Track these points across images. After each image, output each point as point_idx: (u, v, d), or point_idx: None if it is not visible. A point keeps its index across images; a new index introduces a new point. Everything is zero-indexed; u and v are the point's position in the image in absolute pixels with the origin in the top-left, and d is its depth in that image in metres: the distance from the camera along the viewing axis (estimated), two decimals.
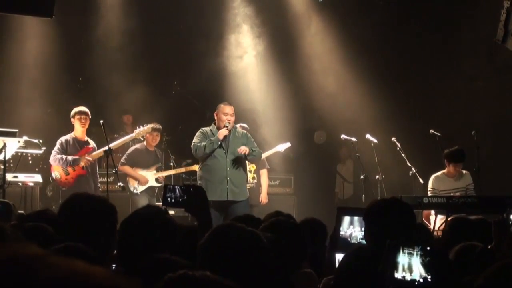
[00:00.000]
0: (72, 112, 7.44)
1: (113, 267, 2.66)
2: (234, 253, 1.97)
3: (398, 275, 2.32)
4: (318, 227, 4.13)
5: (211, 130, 6.92)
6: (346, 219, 3.72)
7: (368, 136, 8.62)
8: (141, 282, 0.84)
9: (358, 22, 10.32)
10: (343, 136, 8.83)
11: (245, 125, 8.07)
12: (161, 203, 3.74)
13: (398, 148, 8.21)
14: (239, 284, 1.36)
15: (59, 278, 0.69)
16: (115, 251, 2.58)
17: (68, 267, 0.71)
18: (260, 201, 8.21)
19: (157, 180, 8.28)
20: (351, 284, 2.68)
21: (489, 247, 3.00)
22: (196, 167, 7.67)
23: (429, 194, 7.00)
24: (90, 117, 7.49)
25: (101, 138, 7.40)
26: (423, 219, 6.73)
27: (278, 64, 10.58)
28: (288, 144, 8.88)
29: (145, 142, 8.31)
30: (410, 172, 8.00)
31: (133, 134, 7.98)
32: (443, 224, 5.21)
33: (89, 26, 10.21)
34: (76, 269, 0.71)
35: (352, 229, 3.69)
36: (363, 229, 3.27)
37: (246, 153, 6.70)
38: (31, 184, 7.50)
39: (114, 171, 7.03)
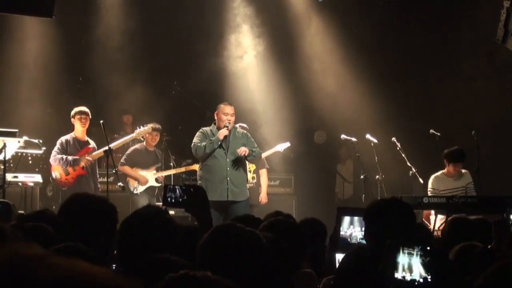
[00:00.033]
0: (73, 112, 7.44)
1: (113, 267, 2.67)
2: (233, 253, 1.97)
3: (398, 275, 2.32)
4: (318, 227, 4.13)
5: (211, 130, 6.92)
6: (346, 219, 3.72)
7: (368, 136, 8.62)
8: (142, 282, 0.84)
9: (358, 22, 10.31)
10: (343, 136, 8.83)
11: (244, 125, 8.07)
12: (161, 203, 3.75)
13: (398, 148, 8.21)
14: (239, 284, 1.36)
15: (61, 278, 0.69)
16: (115, 251, 2.58)
17: (70, 268, 0.71)
18: (259, 201, 8.21)
19: (157, 180, 8.28)
20: (351, 284, 2.68)
21: (489, 247, 3.00)
22: (196, 167, 7.67)
23: (429, 194, 6.99)
24: (90, 117, 7.49)
25: (101, 138, 7.40)
26: (423, 219, 6.73)
27: (278, 64, 10.58)
28: (287, 144, 8.88)
29: (144, 142, 8.30)
30: (410, 172, 8.00)
31: (134, 135, 7.98)
32: (443, 224, 5.21)
33: (89, 26, 10.21)
34: (78, 270, 0.71)
35: (352, 229, 3.69)
36: (363, 229, 3.27)
37: (246, 154, 6.70)
38: (31, 184, 7.50)
39: (114, 171, 7.03)
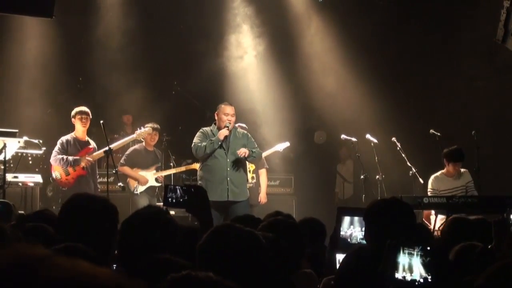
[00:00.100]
0: (73, 112, 7.44)
1: (114, 267, 2.67)
2: (232, 254, 1.97)
3: (399, 275, 2.32)
4: (317, 226, 4.14)
5: (211, 130, 6.92)
6: (346, 219, 3.72)
7: (368, 136, 8.62)
8: (144, 283, 0.84)
9: (358, 22, 10.31)
10: (343, 136, 8.83)
11: (243, 125, 8.06)
12: (161, 203, 3.74)
13: (398, 148, 8.21)
14: (238, 284, 1.36)
15: (63, 279, 0.69)
16: (115, 251, 2.58)
17: (72, 268, 0.71)
18: (259, 200, 8.21)
19: (157, 180, 8.28)
20: (352, 284, 2.68)
21: (489, 247, 3.01)
22: (196, 166, 7.68)
23: (429, 194, 6.99)
24: (91, 117, 7.49)
25: (101, 138, 7.40)
26: (423, 219, 6.73)
27: (278, 64, 10.58)
28: (287, 144, 8.88)
29: (144, 143, 8.30)
30: (410, 172, 8.00)
31: (134, 135, 7.99)
32: (443, 224, 5.21)
33: (89, 26, 10.21)
34: (79, 270, 0.71)
35: (352, 229, 3.69)
36: (363, 229, 3.28)
37: (246, 155, 6.70)
38: (31, 184, 7.50)
39: (114, 171, 7.03)
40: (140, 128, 8.01)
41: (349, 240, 3.69)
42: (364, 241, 3.28)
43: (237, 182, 6.82)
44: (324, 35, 10.72)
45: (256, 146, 7.08)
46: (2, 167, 6.74)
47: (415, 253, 2.32)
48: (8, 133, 6.76)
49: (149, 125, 8.12)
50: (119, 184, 7.23)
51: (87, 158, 7.33)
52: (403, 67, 10.56)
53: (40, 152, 7.52)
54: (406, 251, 2.33)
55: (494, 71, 9.74)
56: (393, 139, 8.29)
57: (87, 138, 7.60)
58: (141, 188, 8.18)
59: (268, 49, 10.58)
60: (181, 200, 2.89)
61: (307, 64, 10.68)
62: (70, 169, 7.31)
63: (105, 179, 7.23)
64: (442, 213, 6.26)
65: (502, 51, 7.56)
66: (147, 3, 10.45)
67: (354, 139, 8.69)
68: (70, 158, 7.29)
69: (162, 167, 8.61)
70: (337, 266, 3.24)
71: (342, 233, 3.70)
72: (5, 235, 2.10)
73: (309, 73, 10.66)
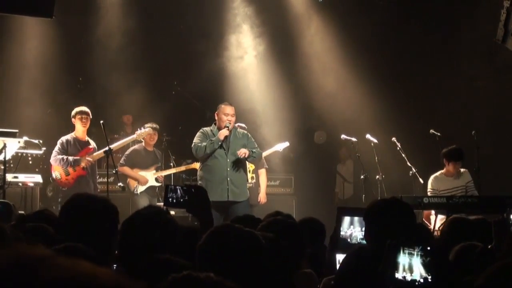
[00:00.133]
0: (73, 112, 7.44)
1: (114, 267, 2.67)
2: (232, 254, 1.98)
3: (399, 275, 2.32)
4: (317, 226, 4.13)
5: (211, 130, 6.92)
6: (346, 219, 3.72)
7: (368, 136, 8.62)
8: (144, 283, 0.84)
9: (358, 22, 10.31)
10: (343, 136, 8.83)
11: (243, 125, 8.06)
12: (162, 203, 3.75)
13: (398, 148, 8.21)
14: (238, 285, 1.36)
15: (63, 279, 0.69)
16: (116, 251, 2.59)
17: (73, 268, 0.71)
18: (258, 200, 8.21)
19: (157, 179, 8.28)
20: (352, 284, 2.68)
21: (489, 247, 3.01)
22: (196, 165, 7.68)
23: (429, 195, 6.99)
24: (91, 117, 7.49)
25: (101, 138, 7.40)
26: (423, 219, 6.73)
27: (278, 64, 10.58)
28: (286, 144, 8.89)
29: (143, 143, 8.31)
30: (410, 172, 8.00)
31: (134, 136, 7.99)
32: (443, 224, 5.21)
33: (89, 26, 10.21)
34: (80, 270, 0.71)
35: (352, 229, 3.69)
36: (363, 229, 3.28)
37: (246, 156, 6.70)
38: (31, 184, 7.50)
39: (114, 172, 7.03)
40: (140, 129, 8.02)
41: (349, 240, 3.69)
42: (364, 241, 3.28)
43: (237, 182, 6.83)
44: (324, 35, 10.72)
45: (256, 146, 7.08)
46: (2, 167, 6.74)
47: (415, 253, 2.32)
48: (8, 133, 6.77)
49: (149, 125, 8.12)
50: (119, 184, 7.22)
51: (87, 158, 7.33)
52: (403, 67, 10.56)
53: (40, 152, 7.52)
54: (406, 251, 2.33)
55: (494, 71, 9.74)
56: (393, 139, 8.29)
57: (87, 138, 7.60)
58: (141, 188, 8.19)
59: (268, 49, 10.58)
60: (182, 200, 2.89)
61: (307, 64, 10.68)
62: (70, 169, 7.31)
63: (105, 179, 7.22)
64: (442, 213, 6.26)
65: (502, 51, 7.56)
66: (147, 3, 10.45)
67: (354, 139, 8.70)
68: (70, 158, 7.29)
69: (162, 167, 8.61)
70: (337, 266, 3.25)
71: (342, 233, 3.70)
72: (5, 235, 2.10)
73: (309, 73, 10.66)
